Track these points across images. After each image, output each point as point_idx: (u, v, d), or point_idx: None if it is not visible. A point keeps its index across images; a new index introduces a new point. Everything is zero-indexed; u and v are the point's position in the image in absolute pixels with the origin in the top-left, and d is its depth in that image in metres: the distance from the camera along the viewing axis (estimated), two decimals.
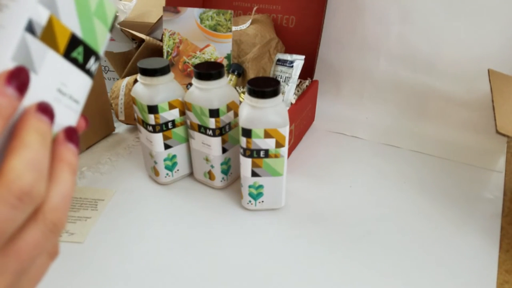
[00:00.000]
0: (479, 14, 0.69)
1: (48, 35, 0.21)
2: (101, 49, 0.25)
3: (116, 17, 0.27)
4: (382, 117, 0.81)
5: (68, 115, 0.23)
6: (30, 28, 0.20)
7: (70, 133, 0.23)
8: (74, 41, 0.23)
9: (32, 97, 0.20)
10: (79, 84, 0.24)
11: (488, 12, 0.68)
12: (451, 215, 0.55)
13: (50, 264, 0.23)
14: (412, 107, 0.80)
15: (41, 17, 0.20)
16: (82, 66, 0.24)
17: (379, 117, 0.81)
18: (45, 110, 0.21)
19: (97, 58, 0.25)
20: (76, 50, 0.23)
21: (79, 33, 0.23)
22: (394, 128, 0.78)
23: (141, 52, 0.77)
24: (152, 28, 0.84)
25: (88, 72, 0.24)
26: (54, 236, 0.21)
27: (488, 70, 0.58)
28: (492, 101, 0.50)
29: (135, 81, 0.70)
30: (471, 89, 0.74)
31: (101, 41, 0.25)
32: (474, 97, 0.74)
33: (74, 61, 0.23)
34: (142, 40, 0.78)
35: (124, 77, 0.78)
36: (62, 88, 0.22)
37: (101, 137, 0.75)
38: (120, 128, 0.79)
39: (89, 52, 0.24)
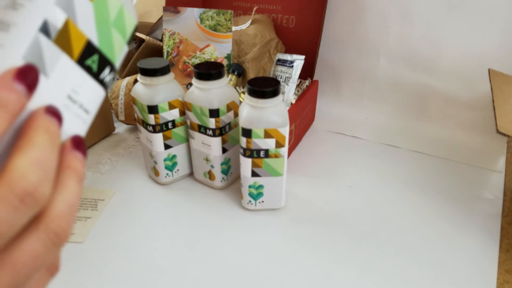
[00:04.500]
0: (479, 14, 0.69)
1: (63, 38, 0.20)
2: (117, 60, 0.25)
3: (135, 30, 0.26)
4: (382, 117, 0.81)
5: (76, 124, 0.22)
6: (44, 29, 0.19)
7: (78, 142, 0.21)
8: (90, 49, 0.22)
9: (41, 100, 0.20)
10: (91, 94, 0.23)
11: (488, 12, 0.68)
12: (451, 215, 0.55)
13: (49, 281, 0.21)
14: (412, 107, 0.80)
15: (57, 20, 0.20)
16: (96, 75, 0.23)
17: (379, 117, 0.81)
18: (54, 113, 0.20)
19: (112, 69, 0.24)
20: (91, 58, 0.22)
21: (96, 41, 0.22)
22: (394, 128, 0.78)
23: (141, 52, 0.77)
24: (152, 28, 0.84)
25: (101, 82, 0.24)
26: (56, 248, 0.19)
27: (489, 70, 0.58)
28: (493, 100, 0.50)
29: (135, 81, 0.70)
30: (471, 89, 0.74)
31: (118, 52, 0.24)
32: (474, 97, 0.74)
33: (88, 69, 0.22)
34: (142, 40, 0.78)
35: (124, 77, 0.78)
36: (73, 95, 0.21)
37: (101, 137, 0.75)
38: (120, 128, 0.79)
39: (105, 61, 0.23)
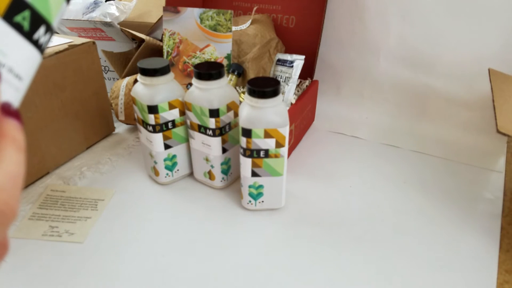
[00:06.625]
0: (479, 14, 0.69)
1: None
2: (54, 19, 0.22)
3: None
4: (382, 117, 0.81)
5: (6, 91, 0.19)
6: None
7: (8, 108, 0.18)
8: (19, 3, 0.19)
9: None
10: (22, 56, 0.20)
11: (488, 12, 0.68)
12: (451, 215, 0.55)
13: None
14: (412, 107, 0.80)
15: None
16: (28, 35, 0.20)
17: (379, 117, 0.81)
18: None
19: (49, 29, 0.21)
20: (21, 14, 0.19)
21: None
22: (394, 128, 0.78)
23: (141, 52, 0.77)
24: (152, 28, 0.84)
25: (36, 44, 0.21)
26: (0, 226, 0.17)
27: (489, 70, 0.58)
28: (493, 100, 0.50)
29: (135, 81, 0.70)
30: (471, 89, 0.74)
31: (54, 10, 0.21)
32: (474, 97, 0.74)
33: (17, 27, 0.19)
34: (142, 40, 0.78)
35: (124, 77, 0.78)
36: (0, 57, 0.19)
37: (101, 137, 0.75)
38: (120, 128, 0.79)
39: (38, 19, 0.20)
